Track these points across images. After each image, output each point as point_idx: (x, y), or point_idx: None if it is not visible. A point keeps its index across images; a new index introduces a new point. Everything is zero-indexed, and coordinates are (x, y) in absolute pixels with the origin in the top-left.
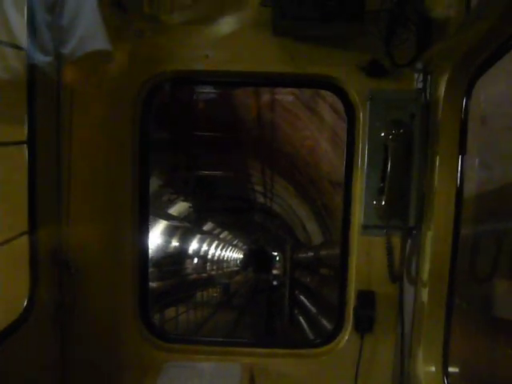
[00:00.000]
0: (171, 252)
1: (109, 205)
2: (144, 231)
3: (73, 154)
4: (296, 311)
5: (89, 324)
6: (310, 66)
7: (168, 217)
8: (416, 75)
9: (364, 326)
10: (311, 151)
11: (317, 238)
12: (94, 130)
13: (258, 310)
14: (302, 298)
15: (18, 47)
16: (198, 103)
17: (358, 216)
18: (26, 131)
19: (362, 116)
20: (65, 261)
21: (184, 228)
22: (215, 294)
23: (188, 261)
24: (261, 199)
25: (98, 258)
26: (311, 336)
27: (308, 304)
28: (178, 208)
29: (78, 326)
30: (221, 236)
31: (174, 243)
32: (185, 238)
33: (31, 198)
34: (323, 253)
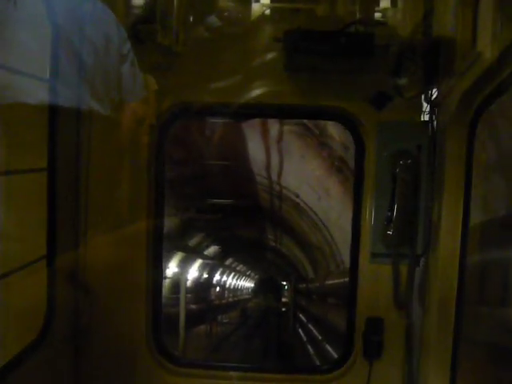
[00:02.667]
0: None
1: (125, 231)
2: (158, 258)
3: (91, 180)
4: (301, 335)
5: (103, 347)
6: (321, 99)
7: (189, 250)
8: (423, 107)
9: (372, 352)
10: None
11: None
12: (111, 157)
13: (268, 335)
14: (305, 322)
15: (40, 78)
16: (213, 134)
17: (366, 244)
18: (46, 158)
19: (371, 147)
20: (81, 284)
21: (204, 261)
22: (226, 320)
23: (206, 289)
24: (271, 242)
25: (114, 283)
26: (315, 360)
27: (311, 328)
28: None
29: (93, 350)
30: (237, 268)
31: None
32: (204, 269)
33: (50, 223)
34: (317, 284)
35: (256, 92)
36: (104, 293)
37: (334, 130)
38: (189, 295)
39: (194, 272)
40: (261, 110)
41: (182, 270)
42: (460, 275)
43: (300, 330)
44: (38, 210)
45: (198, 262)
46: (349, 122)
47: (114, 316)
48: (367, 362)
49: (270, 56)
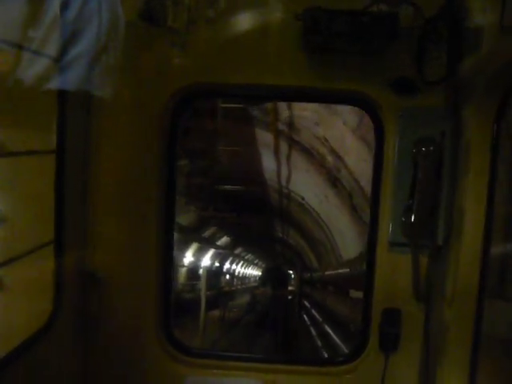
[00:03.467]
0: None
1: (134, 217)
2: (169, 247)
3: (100, 165)
4: (308, 324)
5: (112, 335)
6: (340, 82)
7: (203, 241)
8: (446, 92)
9: (389, 344)
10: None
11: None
12: (121, 141)
13: (275, 324)
14: (312, 311)
15: (50, 58)
16: (225, 118)
17: (385, 233)
18: (55, 141)
19: (392, 132)
20: (89, 271)
21: (217, 251)
22: (235, 310)
23: (218, 276)
24: (279, 233)
25: (122, 270)
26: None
27: (318, 317)
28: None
29: (101, 338)
30: (246, 257)
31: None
32: (217, 258)
33: (58, 208)
34: (324, 273)
35: (272, 73)
36: (113, 279)
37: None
38: (196, 282)
39: (207, 260)
40: (277, 92)
41: (200, 260)
42: (482, 268)
43: (305, 316)
44: (46, 194)
45: (211, 252)
46: (369, 107)
47: (124, 305)
48: (383, 355)
49: (287, 35)
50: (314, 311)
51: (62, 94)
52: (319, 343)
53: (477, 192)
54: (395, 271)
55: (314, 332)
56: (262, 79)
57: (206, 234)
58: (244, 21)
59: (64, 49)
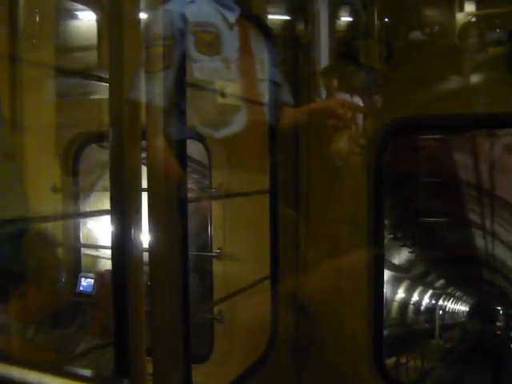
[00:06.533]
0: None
1: (343, 251)
2: (380, 282)
3: (310, 201)
4: None
5: (323, 368)
6: None
7: (394, 268)
8: None
9: None
10: None
11: None
12: (329, 179)
13: (484, 363)
14: None
15: (260, 103)
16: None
17: None
18: (268, 181)
19: None
20: (302, 305)
21: (407, 278)
22: (447, 345)
23: (411, 311)
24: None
25: (333, 304)
26: None
27: None
28: (404, 258)
29: (313, 369)
30: (438, 285)
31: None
32: (407, 288)
33: (273, 245)
34: None
35: (475, 101)
36: (324, 316)
37: None
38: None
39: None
40: (482, 120)
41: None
42: None
43: None
44: (262, 232)
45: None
46: None
47: (335, 340)
48: None
49: (485, 62)
50: None
51: (271, 137)
52: None
53: None
54: None
55: None
56: (465, 108)
57: (410, 267)
58: (437, 54)
59: (272, 93)
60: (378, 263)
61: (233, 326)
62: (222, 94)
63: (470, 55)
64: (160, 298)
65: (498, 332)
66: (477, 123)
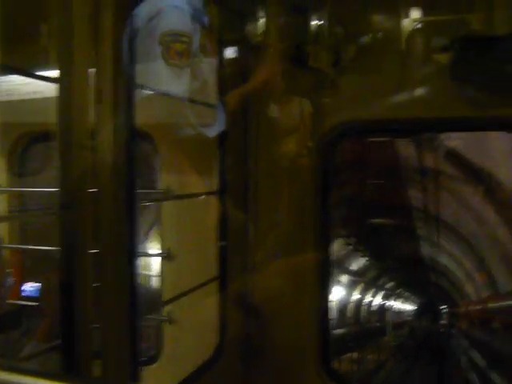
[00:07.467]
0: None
1: (292, 252)
2: (326, 282)
3: (258, 203)
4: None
5: (272, 368)
6: (492, 108)
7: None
8: None
9: None
10: None
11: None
12: (275, 178)
13: (430, 360)
14: (471, 351)
15: (210, 105)
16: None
17: None
18: (217, 182)
19: None
20: (251, 306)
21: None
22: (394, 343)
23: (357, 310)
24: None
25: (281, 305)
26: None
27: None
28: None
29: (262, 370)
30: (387, 287)
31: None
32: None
33: (221, 246)
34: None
35: (421, 105)
36: (273, 317)
37: None
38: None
39: (358, 295)
40: (427, 124)
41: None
42: None
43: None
44: (211, 233)
45: (362, 286)
46: None
47: (283, 340)
48: None
49: (430, 68)
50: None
51: (221, 139)
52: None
53: None
54: None
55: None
56: (411, 112)
57: (356, 268)
58: (384, 59)
59: (221, 95)
60: (325, 264)
61: (182, 327)
62: (173, 96)
63: (415, 62)
64: (108, 300)
65: (442, 330)
66: (422, 128)
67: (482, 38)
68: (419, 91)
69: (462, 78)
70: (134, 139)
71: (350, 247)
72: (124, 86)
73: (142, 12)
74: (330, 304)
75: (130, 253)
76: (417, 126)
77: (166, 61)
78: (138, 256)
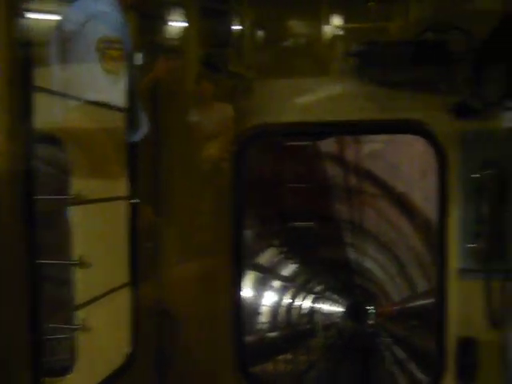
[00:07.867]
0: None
1: (206, 257)
2: (239, 283)
3: (171, 207)
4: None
5: (188, 373)
6: (397, 112)
7: (265, 271)
8: (506, 113)
9: (466, 375)
10: None
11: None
12: (190, 182)
13: (357, 359)
14: (394, 347)
15: (119, 109)
16: (287, 154)
17: (453, 260)
18: (127, 187)
19: (453, 158)
20: (164, 311)
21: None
22: (320, 343)
23: (283, 314)
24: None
25: (195, 309)
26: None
27: (400, 352)
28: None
29: (177, 375)
30: (315, 290)
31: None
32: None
33: (132, 251)
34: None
35: (332, 110)
36: (187, 318)
37: None
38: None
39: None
40: (338, 128)
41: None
42: None
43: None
44: (122, 239)
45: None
46: (428, 135)
47: (198, 345)
48: None
49: (343, 73)
50: (394, 345)
51: (131, 145)
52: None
53: None
54: (467, 298)
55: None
56: (321, 116)
57: (281, 271)
58: (302, 64)
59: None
60: (239, 268)
61: (95, 335)
62: (81, 100)
63: (329, 66)
64: (5, 310)
65: (369, 329)
66: (335, 130)
67: (381, 42)
68: (333, 95)
69: (365, 83)
70: (33, 144)
71: (272, 251)
72: (21, 89)
73: (72, 17)
74: (241, 307)
75: (29, 260)
76: (330, 129)
77: (101, 66)
78: (40, 264)
